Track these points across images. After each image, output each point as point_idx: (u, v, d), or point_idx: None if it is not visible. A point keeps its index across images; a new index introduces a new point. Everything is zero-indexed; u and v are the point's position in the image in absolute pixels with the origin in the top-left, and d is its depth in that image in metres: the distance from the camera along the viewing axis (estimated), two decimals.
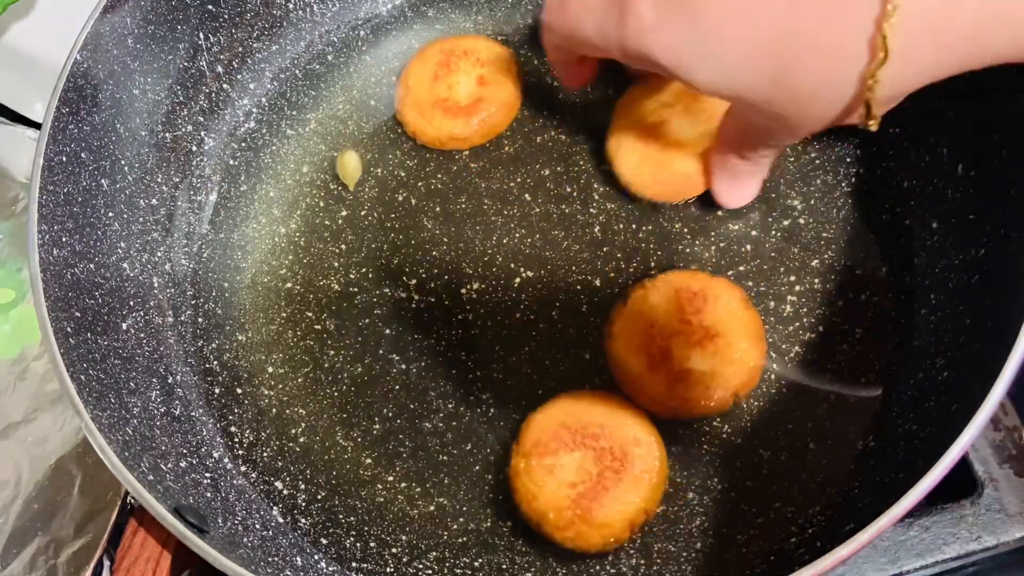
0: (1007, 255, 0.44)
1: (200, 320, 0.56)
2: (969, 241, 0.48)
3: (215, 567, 0.40)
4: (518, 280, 0.54)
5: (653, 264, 0.53)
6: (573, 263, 0.54)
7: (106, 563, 0.50)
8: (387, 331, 0.54)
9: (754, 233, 0.53)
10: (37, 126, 0.65)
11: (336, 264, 0.56)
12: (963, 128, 0.49)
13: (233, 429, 0.52)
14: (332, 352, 0.54)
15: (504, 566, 0.47)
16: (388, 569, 0.48)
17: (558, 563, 0.47)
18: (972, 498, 0.50)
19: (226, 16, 0.59)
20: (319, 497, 0.50)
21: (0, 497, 0.52)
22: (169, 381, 0.52)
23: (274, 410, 0.53)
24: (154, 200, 0.56)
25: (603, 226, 0.54)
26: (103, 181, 0.52)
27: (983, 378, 0.38)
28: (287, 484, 0.51)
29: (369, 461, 0.51)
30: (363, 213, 0.57)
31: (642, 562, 0.46)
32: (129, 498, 0.51)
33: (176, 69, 0.57)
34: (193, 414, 0.52)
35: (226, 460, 0.51)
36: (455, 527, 0.48)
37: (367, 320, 0.54)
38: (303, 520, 0.50)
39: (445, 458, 0.50)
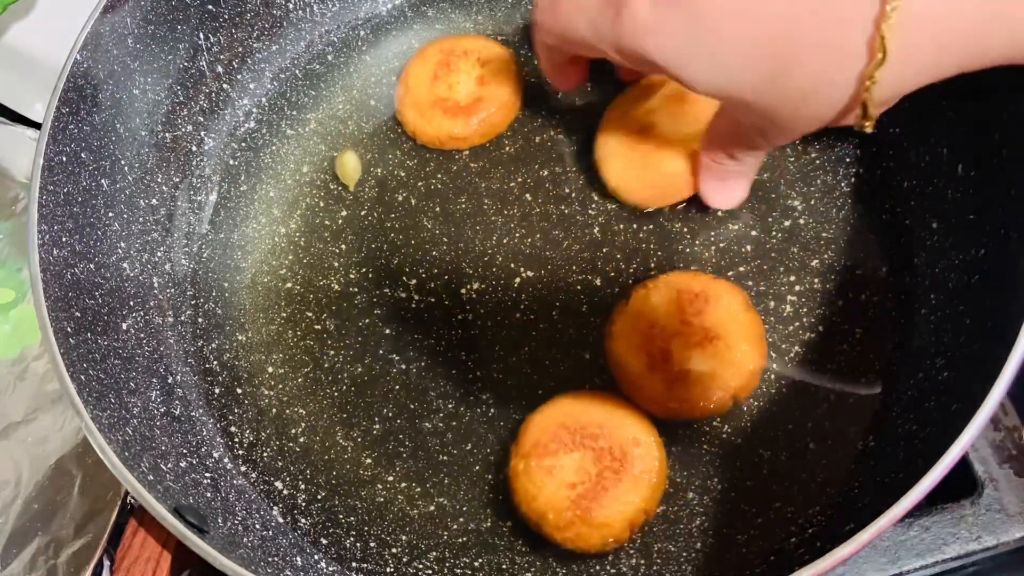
0: (1007, 255, 0.44)
1: (200, 320, 0.56)
2: (969, 241, 0.48)
3: (215, 567, 0.40)
4: (518, 280, 0.54)
5: (653, 264, 0.53)
6: (573, 263, 0.54)
7: (106, 563, 0.50)
8: (387, 331, 0.54)
9: (754, 233, 0.53)
10: (37, 126, 0.65)
11: (336, 264, 0.56)
12: (963, 128, 0.49)
13: (233, 429, 0.52)
14: (332, 352, 0.54)
15: (504, 566, 0.47)
16: (388, 569, 0.48)
17: (558, 563, 0.47)
18: (972, 498, 0.49)
19: (226, 16, 0.59)
20: (319, 497, 0.50)
21: (0, 497, 0.52)
22: (169, 381, 0.52)
23: (274, 410, 0.53)
24: (154, 200, 0.56)
25: (603, 226, 0.54)
26: (103, 181, 0.52)
27: (983, 378, 0.38)
28: (287, 484, 0.51)
29: (369, 461, 0.51)
30: (363, 213, 0.57)
31: (642, 562, 0.46)
32: (129, 498, 0.51)
33: (176, 69, 0.57)
34: (193, 414, 0.52)
35: (226, 460, 0.51)
36: (455, 527, 0.48)
37: (367, 320, 0.54)
38: (303, 520, 0.50)
39: (445, 458, 0.50)
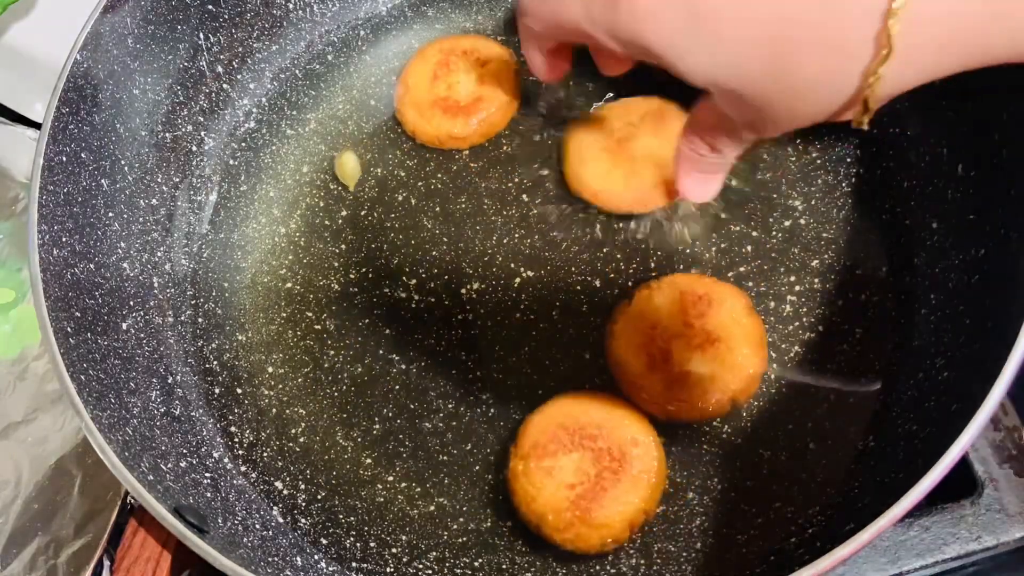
0: (1007, 255, 0.44)
1: (200, 320, 0.56)
2: (969, 241, 0.48)
3: (215, 567, 0.40)
4: (518, 280, 0.54)
5: (653, 264, 0.53)
6: (573, 263, 0.54)
7: (106, 563, 0.50)
8: (387, 331, 0.54)
9: (754, 233, 0.53)
10: (37, 126, 0.65)
11: (336, 264, 0.56)
12: (963, 128, 0.49)
13: (233, 429, 0.52)
14: (332, 352, 0.54)
15: (504, 566, 0.47)
16: (388, 569, 0.48)
17: (558, 563, 0.47)
18: (972, 498, 0.49)
19: (226, 16, 0.59)
20: (319, 497, 0.50)
21: (0, 497, 0.52)
22: (169, 381, 0.52)
23: (274, 410, 0.53)
24: (154, 200, 0.56)
25: (603, 226, 0.54)
26: (103, 181, 0.52)
27: (983, 378, 0.38)
28: (287, 484, 0.51)
29: (369, 461, 0.51)
30: (363, 213, 0.57)
31: (642, 562, 0.46)
32: (129, 498, 0.51)
33: (176, 69, 0.57)
34: (193, 414, 0.52)
35: (226, 460, 0.51)
36: (455, 527, 0.48)
37: (367, 320, 0.54)
38: (303, 520, 0.50)
39: (445, 458, 0.50)
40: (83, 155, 0.51)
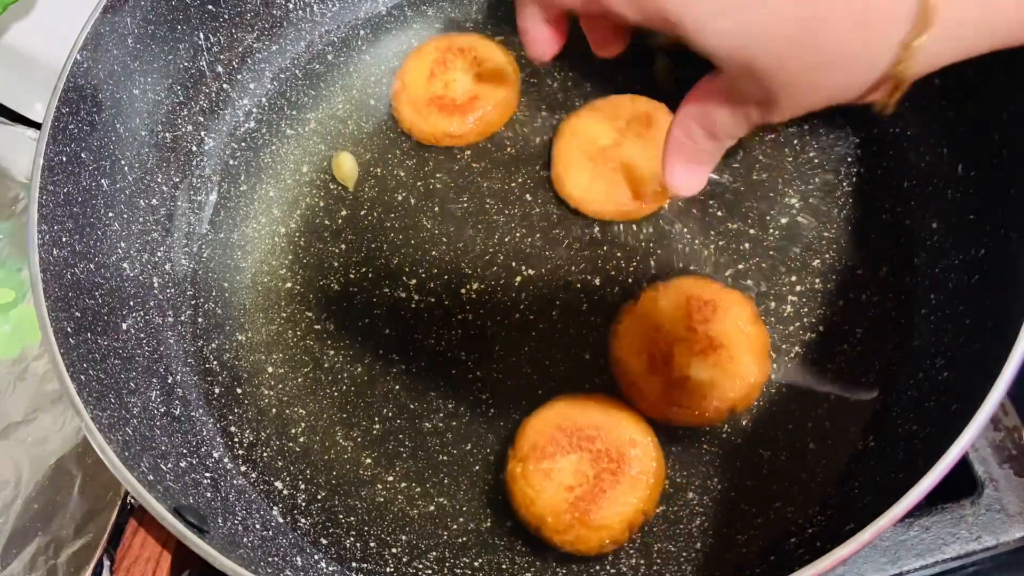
0: (1007, 255, 0.44)
1: (200, 320, 0.56)
2: (969, 241, 0.48)
3: (215, 567, 0.40)
4: (518, 279, 0.54)
5: (653, 263, 0.53)
6: (573, 263, 0.54)
7: (106, 563, 0.50)
8: (387, 331, 0.54)
9: (754, 232, 0.53)
10: (37, 126, 0.65)
11: (336, 264, 0.56)
12: (963, 128, 0.49)
13: (233, 429, 0.52)
14: (332, 352, 0.54)
15: (504, 566, 0.47)
16: (388, 569, 0.48)
17: (558, 563, 0.47)
18: (972, 498, 0.49)
19: (226, 16, 0.59)
20: (319, 497, 0.50)
21: (0, 497, 0.52)
22: (169, 381, 0.52)
23: (274, 410, 0.53)
24: (154, 200, 0.56)
25: (603, 225, 0.54)
26: (103, 181, 0.52)
27: (983, 378, 0.38)
28: (287, 484, 0.51)
29: (369, 461, 0.51)
30: (363, 213, 0.57)
31: (642, 562, 0.46)
32: (129, 498, 0.51)
33: (176, 69, 0.57)
34: (193, 414, 0.52)
35: (226, 460, 0.51)
36: (455, 527, 0.48)
37: (367, 320, 0.54)
38: (303, 520, 0.50)
39: (445, 458, 0.50)
40: (83, 155, 0.51)
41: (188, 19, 0.57)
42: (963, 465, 0.51)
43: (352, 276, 0.56)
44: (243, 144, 0.61)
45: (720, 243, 0.53)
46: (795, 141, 0.55)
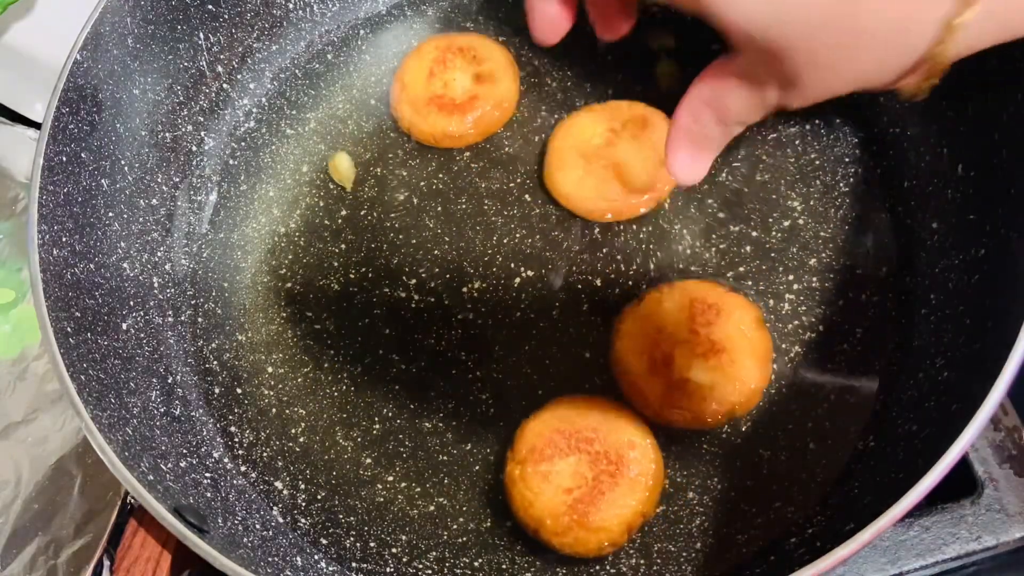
0: (1007, 255, 0.44)
1: (200, 320, 0.56)
2: (969, 241, 0.48)
3: (215, 567, 0.40)
4: (518, 280, 0.54)
5: (653, 264, 0.53)
6: (573, 263, 0.54)
7: (106, 563, 0.50)
8: (387, 331, 0.54)
9: (754, 233, 0.53)
10: (37, 126, 0.65)
11: (336, 264, 0.56)
12: (963, 128, 0.49)
13: (233, 429, 0.52)
14: (332, 352, 0.54)
15: (504, 566, 0.47)
16: (388, 569, 0.48)
17: (558, 563, 0.47)
18: (972, 498, 0.49)
19: (226, 16, 0.59)
20: (319, 497, 0.50)
21: (0, 497, 0.52)
22: (169, 381, 0.52)
23: (274, 410, 0.53)
24: (154, 200, 0.56)
25: (603, 226, 0.54)
26: (103, 181, 0.52)
27: (983, 378, 0.38)
28: (287, 484, 0.51)
29: (369, 461, 0.51)
30: (363, 213, 0.57)
31: (642, 562, 0.46)
32: (129, 498, 0.51)
33: (176, 69, 0.57)
34: (193, 414, 0.52)
35: (226, 460, 0.51)
36: (455, 527, 0.48)
37: (367, 320, 0.54)
38: (303, 520, 0.50)
39: (445, 458, 0.50)
40: (83, 155, 0.51)
41: (188, 19, 0.57)
42: (963, 465, 0.51)
43: (352, 276, 0.56)
44: (243, 144, 0.61)
45: (721, 245, 0.53)
46: (797, 142, 0.55)
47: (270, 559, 0.46)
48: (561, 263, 0.54)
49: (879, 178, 0.54)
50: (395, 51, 0.63)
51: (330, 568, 0.48)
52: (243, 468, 0.51)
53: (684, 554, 0.46)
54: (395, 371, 0.53)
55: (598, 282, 0.53)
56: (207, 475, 0.49)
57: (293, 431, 0.52)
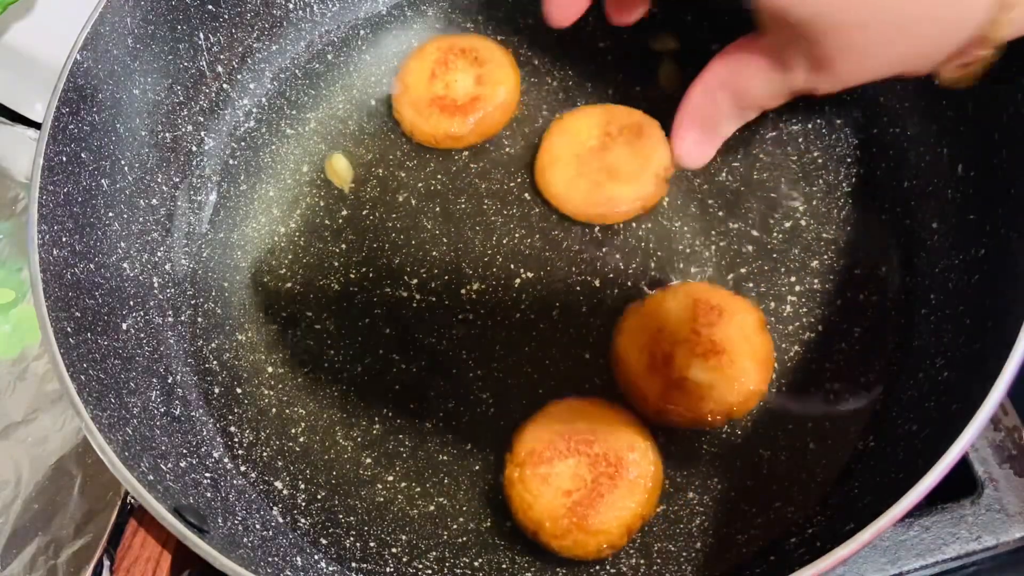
0: (1007, 255, 0.44)
1: (200, 320, 0.56)
2: (969, 241, 0.48)
3: (215, 567, 0.40)
4: (518, 280, 0.54)
5: (653, 264, 0.53)
6: (573, 263, 0.54)
7: (106, 563, 0.50)
8: (387, 331, 0.54)
9: (755, 233, 0.53)
10: (37, 126, 0.65)
11: (336, 264, 0.56)
12: (963, 128, 0.49)
13: (233, 429, 0.52)
14: (332, 352, 0.54)
15: (504, 566, 0.47)
16: (388, 569, 0.48)
17: (558, 563, 0.47)
18: (972, 498, 0.50)
19: (226, 16, 0.59)
20: (319, 497, 0.50)
21: (0, 497, 0.52)
22: (169, 381, 0.52)
23: (274, 410, 0.53)
24: (154, 200, 0.56)
25: (603, 226, 0.54)
26: (103, 181, 0.52)
27: (983, 378, 0.38)
28: (287, 484, 0.51)
29: (369, 461, 0.51)
30: (363, 213, 0.57)
31: (642, 562, 0.46)
32: (129, 498, 0.51)
33: (176, 69, 0.57)
34: (193, 414, 0.52)
35: (226, 460, 0.51)
36: (455, 527, 0.48)
37: (367, 320, 0.54)
38: (303, 520, 0.50)
39: (445, 458, 0.50)
40: (83, 155, 0.51)
41: (188, 19, 0.57)
42: (963, 465, 0.51)
43: (352, 276, 0.56)
44: (243, 144, 0.61)
45: (721, 244, 0.53)
46: (799, 140, 0.55)
47: (270, 559, 0.46)
48: (561, 263, 0.54)
49: (879, 178, 0.54)
50: (395, 51, 0.63)
51: (330, 568, 0.48)
52: (243, 468, 0.51)
53: (684, 554, 0.46)
54: (395, 371, 0.53)
55: (598, 283, 0.53)
56: (207, 475, 0.49)
57: (293, 431, 0.52)
